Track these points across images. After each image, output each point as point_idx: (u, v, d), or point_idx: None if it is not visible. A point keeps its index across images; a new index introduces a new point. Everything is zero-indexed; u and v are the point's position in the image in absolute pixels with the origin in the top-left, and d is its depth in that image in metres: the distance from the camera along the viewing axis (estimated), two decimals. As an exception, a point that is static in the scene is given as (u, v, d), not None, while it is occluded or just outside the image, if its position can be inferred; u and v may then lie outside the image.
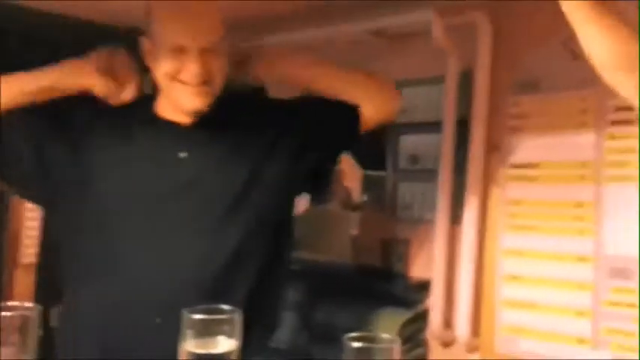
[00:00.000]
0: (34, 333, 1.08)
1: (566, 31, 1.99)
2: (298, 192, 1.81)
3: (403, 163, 2.47)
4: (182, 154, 1.54)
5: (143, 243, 1.51)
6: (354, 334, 1.03)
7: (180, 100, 1.53)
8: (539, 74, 2.05)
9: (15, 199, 4.69)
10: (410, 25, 2.32)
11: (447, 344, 2.24)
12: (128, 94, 1.60)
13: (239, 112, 1.64)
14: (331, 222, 2.89)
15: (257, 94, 1.82)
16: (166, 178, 1.53)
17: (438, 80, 2.32)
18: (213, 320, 1.07)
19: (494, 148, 2.15)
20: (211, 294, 1.47)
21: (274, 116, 1.68)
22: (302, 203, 2.95)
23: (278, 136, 1.63)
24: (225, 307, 1.09)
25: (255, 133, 1.61)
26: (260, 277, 1.57)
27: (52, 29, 2.62)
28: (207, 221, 1.52)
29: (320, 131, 1.68)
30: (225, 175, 1.55)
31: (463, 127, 2.22)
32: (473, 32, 2.16)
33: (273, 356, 2.46)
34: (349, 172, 3.05)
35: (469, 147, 2.18)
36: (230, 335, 1.07)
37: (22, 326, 1.06)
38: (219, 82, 1.53)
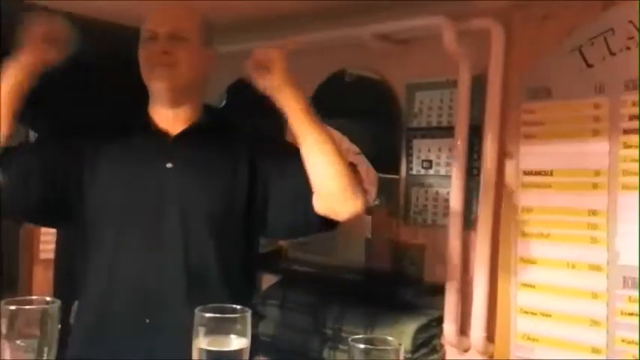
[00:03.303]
0: (54, 327, 1.12)
1: (578, 38, 2.00)
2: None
3: (416, 168, 2.46)
4: (169, 165, 1.63)
5: (129, 251, 1.62)
6: (360, 336, 1.07)
7: (149, 83, 1.65)
8: (552, 81, 2.02)
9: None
10: (418, 29, 2.30)
11: (461, 351, 2.24)
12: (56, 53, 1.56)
13: (224, 129, 1.75)
14: (345, 225, 2.89)
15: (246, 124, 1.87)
16: (153, 188, 1.63)
17: (450, 84, 2.31)
18: (225, 319, 1.10)
19: (507, 155, 2.14)
20: (192, 297, 1.54)
21: (248, 146, 1.73)
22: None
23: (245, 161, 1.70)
24: (237, 306, 1.13)
25: (231, 151, 1.70)
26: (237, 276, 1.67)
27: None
28: (188, 231, 1.61)
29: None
30: (207, 187, 1.65)
31: (476, 132, 2.21)
32: (484, 37, 2.13)
33: (284, 357, 2.49)
34: (364, 174, 3.04)
35: (482, 153, 2.17)
36: (241, 334, 1.10)
37: (42, 320, 1.11)
38: (185, 69, 1.63)
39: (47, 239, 4.53)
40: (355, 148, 3.38)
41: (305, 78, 2.76)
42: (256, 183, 1.67)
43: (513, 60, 2.10)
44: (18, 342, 1.09)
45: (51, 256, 3.82)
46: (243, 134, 1.76)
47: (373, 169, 3.09)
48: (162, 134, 1.68)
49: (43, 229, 4.66)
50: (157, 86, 1.65)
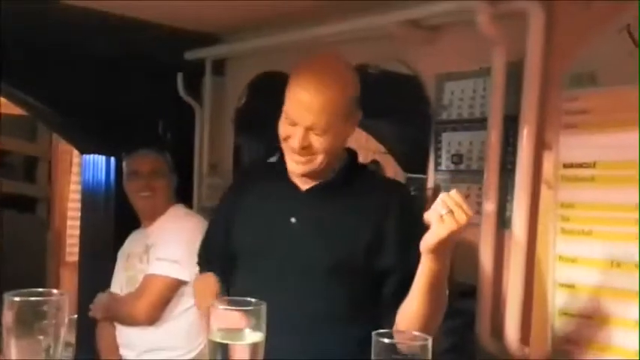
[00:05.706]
0: (62, 322, 1.08)
1: (625, 18, 1.87)
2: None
3: (446, 163, 2.33)
4: (293, 219, 1.67)
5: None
6: (385, 330, 1.05)
7: (287, 161, 1.67)
8: (597, 66, 1.90)
9: (57, 199, 4.70)
10: (448, 14, 2.19)
11: (494, 355, 2.10)
12: None
13: (359, 186, 1.71)
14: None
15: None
16: (276, 241, 1.68)
17: (484, 73, 2.19)
18: (238, 312, 1.11)
19: (546, 146, 2.01)
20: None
21: (383, 204, 1.68)
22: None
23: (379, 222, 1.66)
24: (251, 299, 1.13)
25: (364, 209, 1.67)
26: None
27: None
28: (307, 284, 1.62)
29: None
30: (328, 242, 1.64)
31: (511, 123, 2.08)
32: (522, 20, 2.00)
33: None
34: (392, 175, 2.92)
35: (518, 145, 2.04)
36: (256, 328, 1.10)
37: (49, 314, 1.07)
38: (323, 156, 1.62)
39: (73, 242, 4.49)
40: (381, 148, 3.26)
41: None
42: (383, 258, 1.64)
43: (554, 44, 1.98)
44: (24, 336, 1.05)
45: (77, 258, 3.76)
46: (385, 197, 1.69)
47: (401, 170, 2.96)
48: (294, 188, 1.71)
49: (69, 232, 4.62)
50: (292, 168, 1.66)
